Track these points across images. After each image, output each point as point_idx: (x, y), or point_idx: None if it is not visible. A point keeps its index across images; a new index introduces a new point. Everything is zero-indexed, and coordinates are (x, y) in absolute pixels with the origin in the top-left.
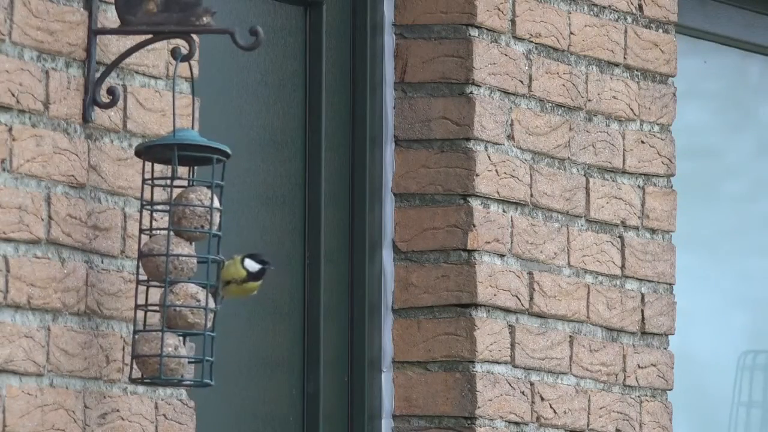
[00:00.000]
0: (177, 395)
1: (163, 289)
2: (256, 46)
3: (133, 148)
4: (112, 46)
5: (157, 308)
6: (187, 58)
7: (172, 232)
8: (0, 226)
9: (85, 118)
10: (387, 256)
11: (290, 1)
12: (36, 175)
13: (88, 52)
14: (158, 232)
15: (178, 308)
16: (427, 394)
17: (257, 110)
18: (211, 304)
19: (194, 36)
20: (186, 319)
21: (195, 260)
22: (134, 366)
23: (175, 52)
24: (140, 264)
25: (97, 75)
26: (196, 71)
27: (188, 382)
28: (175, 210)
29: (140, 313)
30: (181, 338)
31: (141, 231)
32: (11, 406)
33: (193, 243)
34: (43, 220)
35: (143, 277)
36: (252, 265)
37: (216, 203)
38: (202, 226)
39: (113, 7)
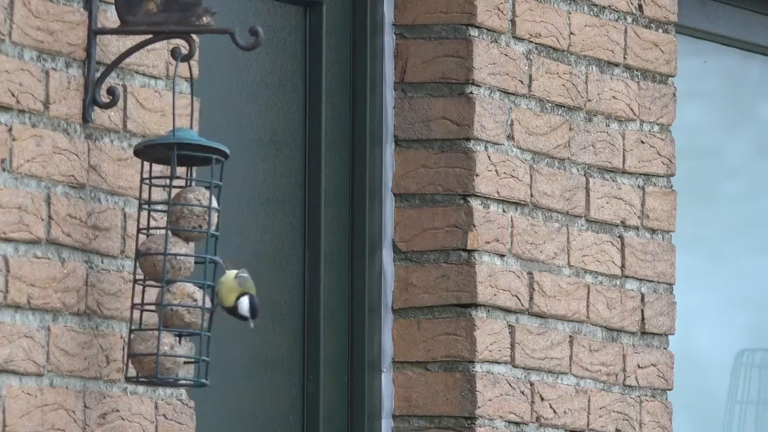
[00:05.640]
0: (177, 395)
1: (160, 288)
2: (256, 46)
3: (133, 148)
4: (112, 46)
5: (154, 308)
6: (187, 58)
7: (169, 232)
8: (0, 226)
9: (85, 118)
10: (387, 256)
11: (290, 1)
12: (36, 175)
13: (88, 52)
14: (156, 231)
15: (174, 307)
16: (427, 394)
17: (257, 110)
18: (208, 304)
19: (194, 36)
20: (182, 318)
21: (192, 260)
22: (130, 365)
23: (175, 52)
24: (138, 263)
25: (97, 75)
26: (196, 71)
27: (184, 382)
28: (173, 209)
29: (139, 313)
30: (177, 338)
31: (139, 230)
32: (11, 406)
33: (192, 243)
34: (43, 220)
35: (141, 276)
36: (242, 308)
37: (214, 203)
38: (200, 226)
39: (113, 7)
